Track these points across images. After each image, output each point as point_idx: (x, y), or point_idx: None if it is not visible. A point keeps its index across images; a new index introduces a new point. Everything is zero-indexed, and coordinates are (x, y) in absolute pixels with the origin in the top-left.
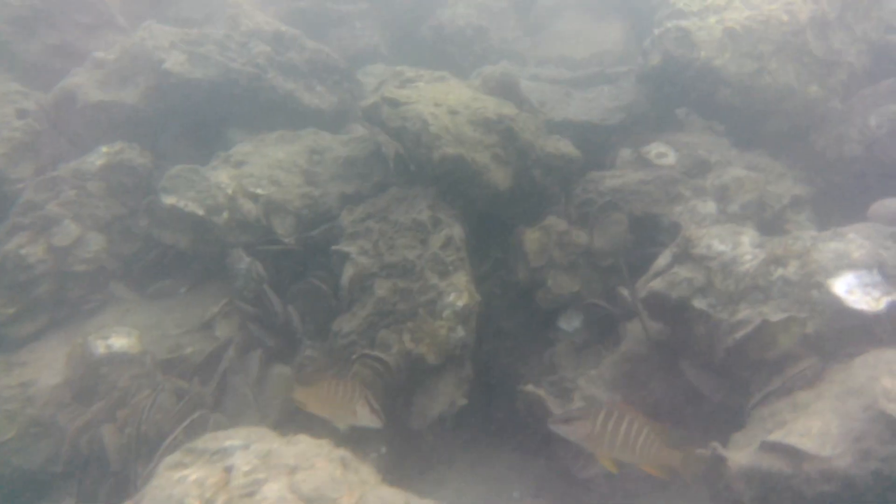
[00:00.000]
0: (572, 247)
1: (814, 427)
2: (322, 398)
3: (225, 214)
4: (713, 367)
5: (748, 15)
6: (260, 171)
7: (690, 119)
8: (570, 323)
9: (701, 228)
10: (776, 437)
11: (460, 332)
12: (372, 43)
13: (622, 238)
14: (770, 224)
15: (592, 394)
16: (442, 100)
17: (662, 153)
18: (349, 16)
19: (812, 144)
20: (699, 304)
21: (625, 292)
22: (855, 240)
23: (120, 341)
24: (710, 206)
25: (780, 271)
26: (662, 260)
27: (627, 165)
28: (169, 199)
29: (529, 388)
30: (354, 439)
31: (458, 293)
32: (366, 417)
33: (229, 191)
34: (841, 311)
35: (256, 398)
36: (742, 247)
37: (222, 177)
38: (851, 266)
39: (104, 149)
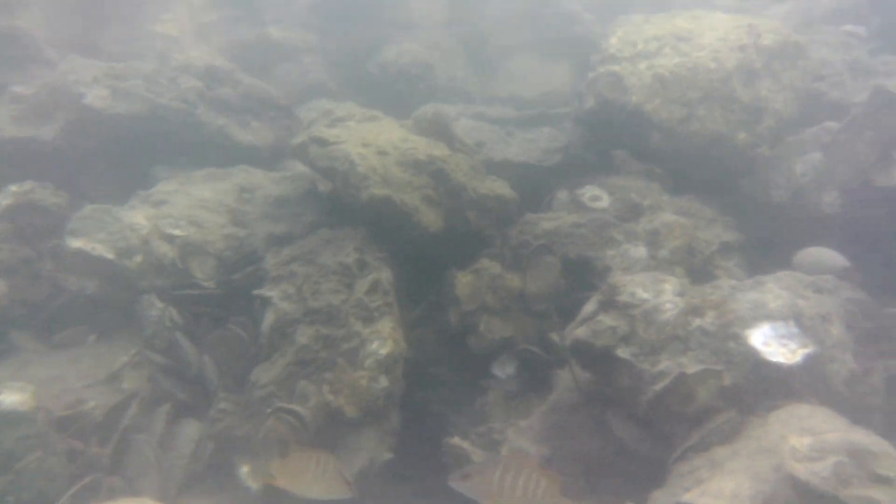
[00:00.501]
0: (505, 290)
1: (726, 488)
2: (294, 472)
3: (138, 258)
4: (638, 418)
5: (677, 62)
6: (180, 210)
7: (628, 162)
8: (503, 369)
9: (626, 275)
10: (689, 497)
11: (383, 381)
12: (320, 79)
13: (555, 282)
14: (699, 270)
15: (521, 446)
16: (371, 140)
17: (596, 196)
18: (296, 51)
19: (742, 190)
20: (623, 353)
21: (556, 338)
22: (773, 290)
23: (11, 398)
24: (641, 251)
25: (697, 321)
26: (589, 306)
27: (563, 208)
28: (76, 243)
29: (455, 440)
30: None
31: (382, 341)
32: (337, 489)
33: (144, 232)
34: (758, 363)
35: (159, 458)
36: (664, 295)
37: (138, 217)
38: (768, 317)
39: (13, 188)
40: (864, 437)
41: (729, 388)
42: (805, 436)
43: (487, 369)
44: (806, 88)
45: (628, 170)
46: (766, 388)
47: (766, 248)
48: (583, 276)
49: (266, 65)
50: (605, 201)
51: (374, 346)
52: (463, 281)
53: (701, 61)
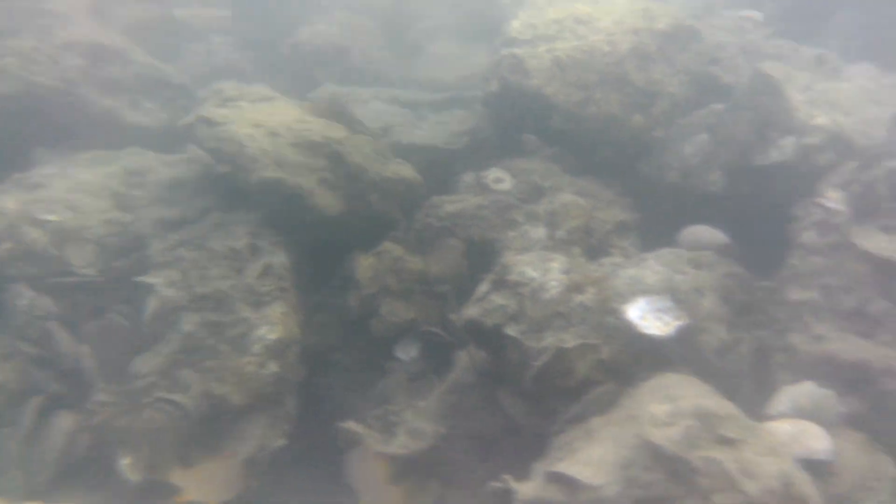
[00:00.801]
0: (408, 273)
1: (595, 454)
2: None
3: (7, 244)
4: (525, 394)
5: (575, 45)
6: (58, 194)
7: (536, 144)
8: (406, 352)
9: (517, 255)
10: (560, 466)
11: (272, 367)
12: (231, 59)
13: (458, 264)
14: (596, 248)
15: (418, 427)
16: (263, 121)
17: (500, 178)
18: (207, 31)
19: (640, 171)
20: (511, 331)
21: (455, 319)
22: (652, 266)
23: None
24: (540, 232)
25: (579, 298)
26: (483, 287)
27: (469, 190)
28: None
29: (349, 424)
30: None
31: (271, 326)
32: None
33: (11, 217)
34: (634, 336)
35: (24, 453)
36: (551, 273)
37: (8, 202)
38: (645, 291)
39: None
40: (713, 402)
41: (607, 360)
42: (665, 403)
43: (391, 352)
44: (700, 72)
45: (533, 152)
46: (642, 359)
47: (661, 227)
48: (486, 258)
49: (173, 45)
50: (507, 183)
51: (263, 331)
52: (364, 264)
53: (596, 45)
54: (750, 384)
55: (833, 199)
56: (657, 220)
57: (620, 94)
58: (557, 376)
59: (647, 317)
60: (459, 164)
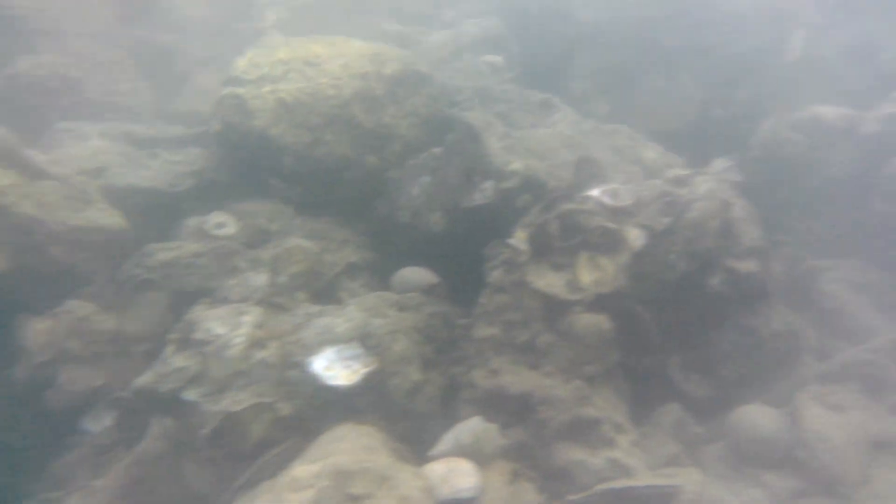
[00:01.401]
0: (95, 334)
1: None
2: None
3: None
4: (207, 461)
5: (300, 87)
6: None
7: (282, 188)
8: (98, 422)
9: (207, 310)
10: None
11: None
12: None
13: (161, 319)
14: (324, 292)
15: None
16: None
17: (222, 223)
18: None
19: (377, 211)
20: (190, 394)
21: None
22: (349, 313)
23: None
24: (262, 279)
25: (261, 354)
26: (169, 347)
27: (190, 236)
28: None
29: None
30: None
31: None
32: None
33: None
34: (319, 388)
35: None
36: (241, 328)
37: None
38: (334, 341)
39: None
40: (348, 459)
41: (289, 417)
42: (314, 463)
43: (75, 424)
44: (431, 114)
45: (267, 193)
46: (329, 411)
47: (398, 265)
48: None
49: None
50: (231, 228)
51: None
52: (38, 328)
53: (321, 88)
54: (440, 423)
55: (519, 239)
56: (395, 259)
57: (350, 136)
58: (233, 440)
59: (333, 367)
60: (187, 208)
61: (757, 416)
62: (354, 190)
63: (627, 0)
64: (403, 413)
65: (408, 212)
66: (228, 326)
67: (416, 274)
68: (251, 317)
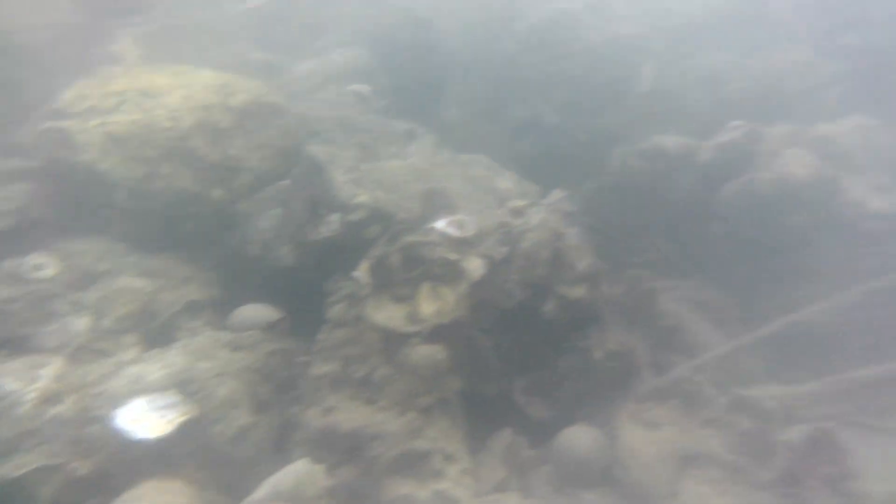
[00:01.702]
0: None
1: None
2: None
3: None
4: None
5: (133, 119)
6: None
7: (110, 223)
8: None
9: (4, 363)
10: None
11: None
12: None
13: None
14: (159, 333)
15: None
16: None
17: (40, 265)
18: None
19: (227, 244)
20: None
21: None
22: (168, 358)
23: None
24: (82, 323)
25: (55, 410)
26: None
27: (2, 281)
28: None
29: None
30: None
31: None
32: None
33: None
34: (126, 442)
35: None
36: (37, 382)
37: None
38: (146, 390)
39: None
40: None
41: (91, 475)
42: None
43: None
44: (287, 146)
45: (99, 230)
46: (137, 465)
47: (248, 300)
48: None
49: None
50: (51, 270)
51: None
52: None
53: (157, 120)
54: (268, 466)
55: (362, 271)
56: (243, 295)
57: (192, 170)
58: None
59: (145, 417)
60: (4, 250)
61: (575, 438)
62: (200, 224)
63: (492, 32)
64: (227, 460)
65: (257, 245)
66: (23, 381)
67: (255, 311)
68: (50, 369)
